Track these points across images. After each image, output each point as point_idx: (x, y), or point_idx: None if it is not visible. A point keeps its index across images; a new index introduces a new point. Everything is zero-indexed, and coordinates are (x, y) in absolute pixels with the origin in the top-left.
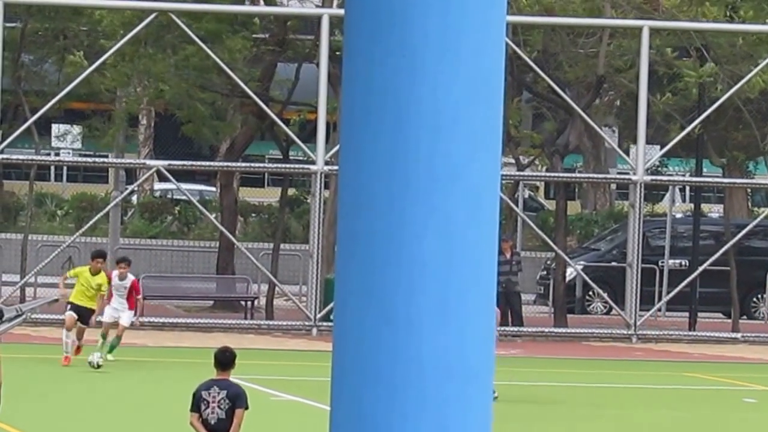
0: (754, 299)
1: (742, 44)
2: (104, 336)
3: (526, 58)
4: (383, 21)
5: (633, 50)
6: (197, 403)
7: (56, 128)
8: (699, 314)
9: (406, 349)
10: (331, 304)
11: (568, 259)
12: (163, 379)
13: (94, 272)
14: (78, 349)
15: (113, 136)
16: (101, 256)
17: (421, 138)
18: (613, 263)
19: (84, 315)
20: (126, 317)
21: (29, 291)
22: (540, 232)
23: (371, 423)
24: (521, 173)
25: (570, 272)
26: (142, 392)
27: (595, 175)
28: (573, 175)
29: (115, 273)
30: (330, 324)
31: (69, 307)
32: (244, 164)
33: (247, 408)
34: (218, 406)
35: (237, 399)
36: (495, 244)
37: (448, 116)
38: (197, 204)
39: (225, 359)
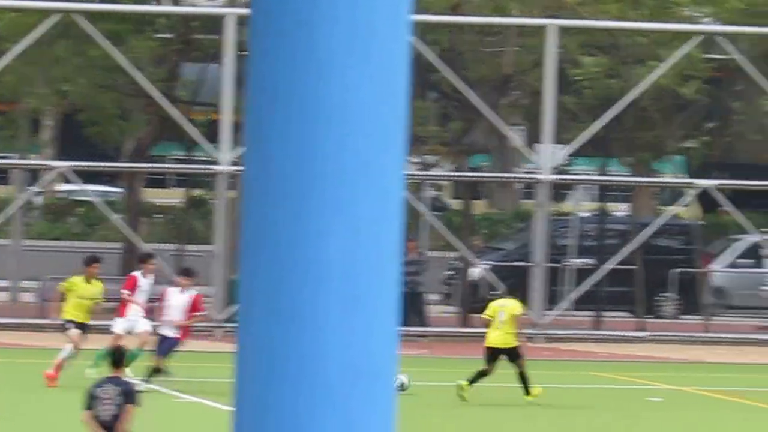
0: (660, 297)
1: (647, 42)
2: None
3: (432, 57)
4: (289, 20)
5: (539, 49)
6: (90, 401)
7: None
8: (605, 313)
9: (311, 347)
10: (236, 305)
11: (473, 259)
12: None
13: (89, 280)
14: (59, 367)
15: (16, 137)
16: (97, 261)
17: (325, 138)
18: (519, 262)
19: (83, 330)
20: (143, 323)
21: None
22: (446, 232)
23: (276, 422)
24: (427, 173)
25: (476, 272)
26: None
27: (502, 175)
28: (479, 174)
29: (140, 276)
30: (234, 325)
31: (70, 324)
32: (148, 165)
33: (137, 405)
34: (111, 403)
35: (128, 396)
36: (400, 243)
37: (352, 116)
38: (101, 205)
39: (118, 358)
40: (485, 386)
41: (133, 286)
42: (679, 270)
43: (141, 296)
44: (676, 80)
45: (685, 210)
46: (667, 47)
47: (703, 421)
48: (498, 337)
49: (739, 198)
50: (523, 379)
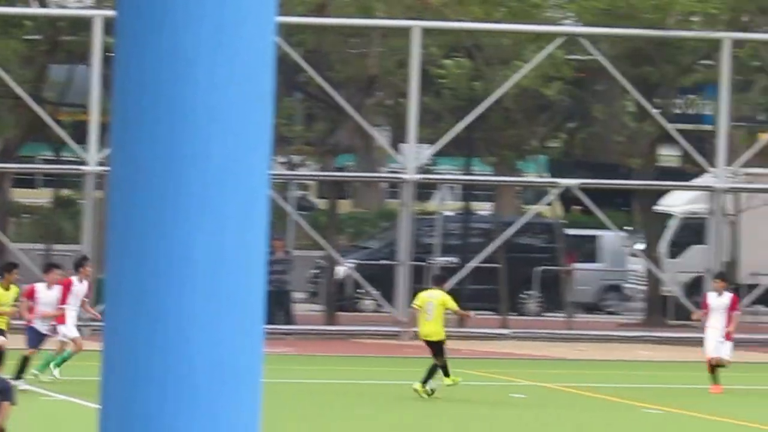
0: (523, 295)
1: (510, 43)
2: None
3: (298, 58)
4: (155, 22)
5: (404, 50)
6: None
7: None
8: (469, 311)
9: (177, 347)
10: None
11: (339, 258)
12: None
13: (6, 287)
14: None
15: None
16: (16, 267)
17: (191, 137)
18: (384, 261)
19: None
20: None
21: None
22: (311, 231)
23: (142, 421)
24: (293, 172)
25: (341, 271)
26: None
27: (367, 174)
28: (344, 174)
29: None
30: (101, 324)
31: None
32: (16, 165)
33: (13, 403)
34: None
35: (4, 393)
36: (266, 243)
37: (218, 116)
38: None
39: None
40: (348, 382)
41: (67, 291)
42: (542, 268)
43: (75, 300)
44: (538, 81)
45: (548, 209)
46: (530, 48)
47: (565, 418)
48: (428, 329)
49: (601, 197)
50: (432, 371)
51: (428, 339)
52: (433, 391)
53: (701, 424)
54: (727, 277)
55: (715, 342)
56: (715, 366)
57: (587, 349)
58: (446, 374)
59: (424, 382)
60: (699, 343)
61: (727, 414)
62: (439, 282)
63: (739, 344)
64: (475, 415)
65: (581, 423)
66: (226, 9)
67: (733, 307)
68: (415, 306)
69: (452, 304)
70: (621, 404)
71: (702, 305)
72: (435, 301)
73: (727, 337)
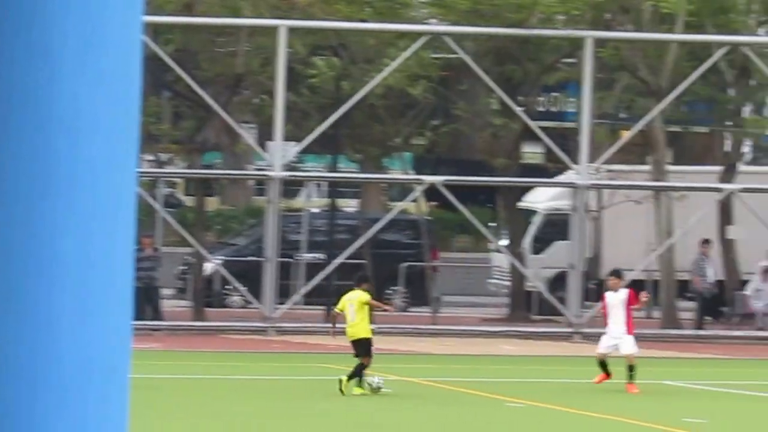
0: (389, 291)
1: (376, 42)
2: None
3: (165, 57)
4: (21, 21)
5: (270, 49)
6: None
7: None
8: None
9: (45, 345)
10: None
11: (206, 254)
12: None
13: None
14: None
15: None
16: None
17: (58, 136)
18: (252, 258)
19: None
20: None
21: None
22: (179, 228)
23: (10, 420)
24: (160, 170)
25: (209, 267)
26: None
27: (234, 172)
28: (211, 171)
29: None
30: None
31: None
32: None
33: None
34: None
35: None
36: (133, 240)
37: (85, 115)
38: None
39: None
40: (216, 378)
41: None
42: (407, 264)
43: None
44: (404, 80)
45: (414, 205)
46: (396, 47)
47: (431, 412)
48: (352, 329)
49: (465, 194)
50: (359, 370)
51: (353, 338)
52: (376, 387)
53: (564, 417)
54: (620, 274)
55: (612, 339)
56: (602, 361)
57: (452, 344)
58: (353, 378)
59: (350, 377)
60: (562, 338)
61: (591, 408)
62: (360, 282)
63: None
64: (343, 409)
65: (446, 417)
66: (92, 8)
67: (630, 302)
68: (337, 310)
69: (370, 301)
70: (485, 398)
71: (602, 306)
72: (355, 302)
73: (628, 330)
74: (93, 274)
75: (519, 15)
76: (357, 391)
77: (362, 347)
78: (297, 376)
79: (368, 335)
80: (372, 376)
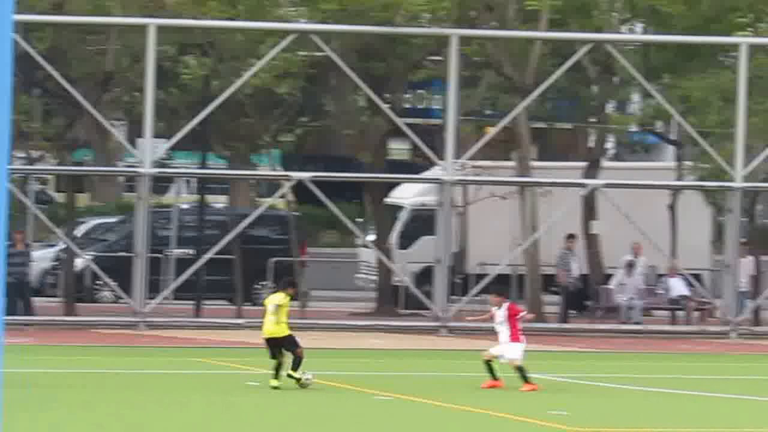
0: (257, 286)
1: (245, 40)
2: None
3: (36, 55)
4: None
5: (140, 47)
6: None
7: None
8: (205, 301)
9: None
10: None
11: (77, 250)
12: None
13: None
14: None
15: None
16: None
17: None
18: (122, 253)
19: None
20: None
21: None
22: (50, 224)
23: None
24: (31, 167)
25: (79, 262)
26: None
27: (104, 168)
28: (82, 168)
29: None
30: None
31: None
32: None
33: None
34: None
35: None
36: (4, 236)
37: None
38: None
39: None
40: (87, 372)
41: None
42: (275, 259)
43: None
44: (272, 77)
45: (282, 201)
46: (264, 45)
47: (298, 405)
48: (268, 327)
49: (333, 189)
50: (298, 363)
51: (274, 336)
52: (302, 382)
53: (431, 410)
54: (501, 291)
55: (500, 347)
56: (489, 361)
57: (321, 338)
58: (277, 373)
59: (294, 369)
60: (428, 331)
61: (458, 401)
62: (286, 287)
63: (474, 333)
64: (211, 403)
65: (314, 410)
66: None
67: (512, 314)
68: (264, 304)
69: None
70: (353, 391)
71: (489, 314)
72: (274, 300)
73: (513, 339)
74: None
75: (385, 13)
76: (273, 383)
77: (288, 343)
78: (167, 370)
79: (288, 332)
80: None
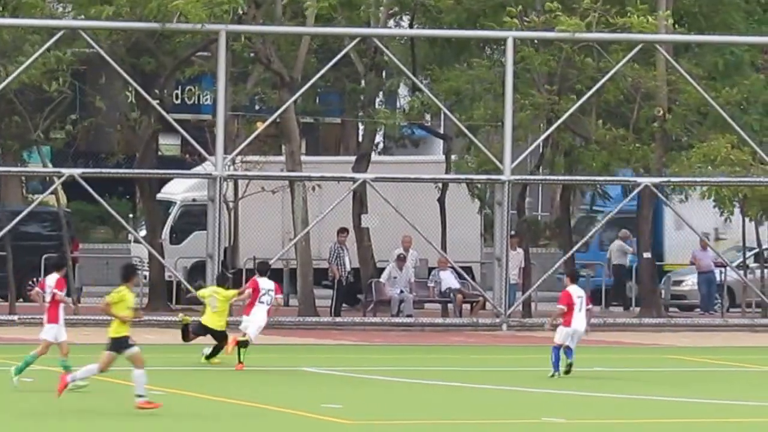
0: (30, 282)
1: (10, 39)
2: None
3: None
4: None
5: None
6: None
7: None
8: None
9: None
10: None
11: None
12: None
13: None
14: None
15: None
16: None
17: None
18: None
19: None
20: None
21: None
22: None
23: None
24: None
25: None
26: None
27: None
28: None
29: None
30: None
31: None
32: None
33: None
34: None
35: None
36: None
37: None
38: None
39: None
40: None
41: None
42: (47, 255)
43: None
44: (40, 75)
45: (52, 197)
46: (31, 42)
47: (77, 402)
48: (211, 319)
49: (104, 186)
50: (217, 349)
51: (212, 327)
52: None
53: (204, 403)
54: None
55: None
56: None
57: (93, 333)
58: (213, 353)
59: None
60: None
61: (233, 395)
62: (221, 281)
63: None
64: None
65: (83, 406)
66: None
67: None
68: (200, 295)
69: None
70: (123, 386)
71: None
72: (219, 296)
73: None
74: None
75: (155, 10)
76: (215, 361)
77: (219, 336)
78: None
79: (224, 329)
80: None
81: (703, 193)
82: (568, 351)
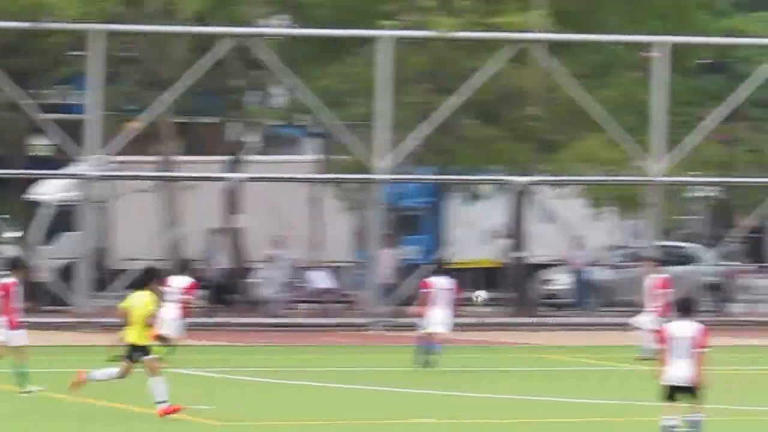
0: None
1: None
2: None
3: None
4: None
5: None
6: None
7: None
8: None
9: None
10: None
11: None
12: None
13: None
14: None
15: None
16: None
17: None
18: None
19: None
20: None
21: None
22: None
23: None
24: None
25: None
26: None
27: None
28: None
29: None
30: None
31: None
32: None
33: None
34: None
35: None
36: None
37: None
38: None
39: None
40: None
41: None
42: None
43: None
44: None
45: None
46: None
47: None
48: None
49: None
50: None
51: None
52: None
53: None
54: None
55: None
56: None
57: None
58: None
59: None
60: (70, 327)
61: (113, 398)
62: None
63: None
64: None
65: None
66: None
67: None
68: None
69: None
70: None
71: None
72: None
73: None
74: None
75: (26, 8)
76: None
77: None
78: None
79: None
80: None
81: (578, 192)
82: (433, 345)
